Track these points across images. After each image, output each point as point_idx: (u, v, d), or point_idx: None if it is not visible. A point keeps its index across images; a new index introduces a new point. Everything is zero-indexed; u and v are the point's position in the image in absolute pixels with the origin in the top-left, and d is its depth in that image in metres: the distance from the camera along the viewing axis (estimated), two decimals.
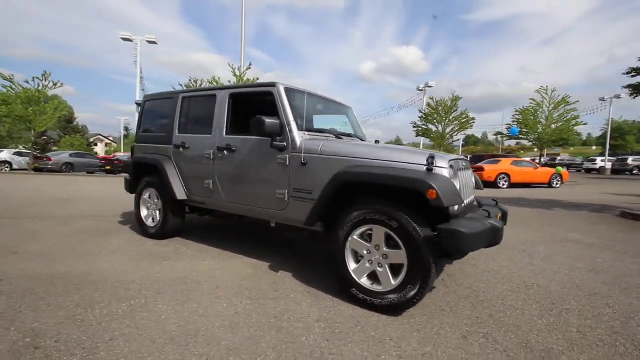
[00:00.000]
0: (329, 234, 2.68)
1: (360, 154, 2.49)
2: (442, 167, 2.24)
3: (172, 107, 3.80)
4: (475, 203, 2.96)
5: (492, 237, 2.18)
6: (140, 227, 4.08)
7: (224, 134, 3.25)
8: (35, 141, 20.55)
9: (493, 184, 13.17)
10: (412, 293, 2.10)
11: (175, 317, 2.09)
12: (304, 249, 3.82)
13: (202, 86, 15.50)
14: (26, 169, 18.25)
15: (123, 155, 24.16)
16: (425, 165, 2.22)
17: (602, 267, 3.32)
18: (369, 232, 2.31)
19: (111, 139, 63.87)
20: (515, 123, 20.08)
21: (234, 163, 3.16)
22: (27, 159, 18.50)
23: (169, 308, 2.20)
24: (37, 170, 17.51)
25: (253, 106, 3.54)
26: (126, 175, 4.21)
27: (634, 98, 7.50)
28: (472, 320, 2.18)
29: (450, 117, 18.18)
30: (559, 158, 34.30)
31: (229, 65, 14.17)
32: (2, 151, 19.50)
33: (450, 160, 2.33)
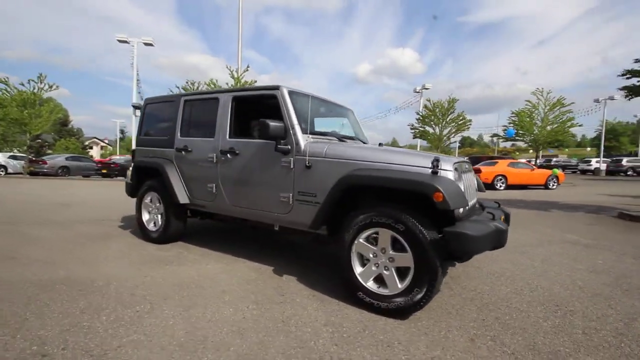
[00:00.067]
0: (334, 237, 2.69)
1: (365, 157, 2.50)
2: (447, 170, 2.26)
3: (174, 110, 3.79)
4: (477, 205, 2.98)
5: (497, 240, 2.20)
6: (141, 231, 4.06)
7: (227, 137, 3.25)
8: (30, 144, 20.38)
9: (490, 186, 13.25)
10: (419, 296, 2.11)
11: (182, 322, 2.08)
12: (306, 252, 3.82)
13: (200, 88, 15.48)
14: (21, 173, 18.07)
15: (119, 158, 24.02)
16: (430, 168, 2.23)
17: (602, 268, 3.36)
18: (375, 235, 2.32)
19: (106, 141, 63.49)
20: (512, 125, 20.25)
21: (237, 166, 3.16)
22: (22, 162, 18.33)
23: (175, 313, 2.19)
24: (33, 174, 17.35)
25: (256, 109, 3.54)
26: (123, 178, 4.19)
27: (629, 99, 7.61)
28: (479, 322, 2.20)
29: (447, 119, 18.30)
30: (554, 160, 34.58)
31: (227, 67, 14.18)
32: None
33: (454, 163, 2.35)
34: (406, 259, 2.17)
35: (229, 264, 3.24)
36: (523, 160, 18.62)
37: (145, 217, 4.02)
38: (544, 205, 8.47)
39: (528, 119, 19.59)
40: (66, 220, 5.21)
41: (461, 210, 2.27)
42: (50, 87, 17.78)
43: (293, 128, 2.78)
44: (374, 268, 2.32)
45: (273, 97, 2.94)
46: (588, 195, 11.30)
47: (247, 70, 14.31)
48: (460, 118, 18.24)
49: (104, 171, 19.10)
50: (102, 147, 61.16)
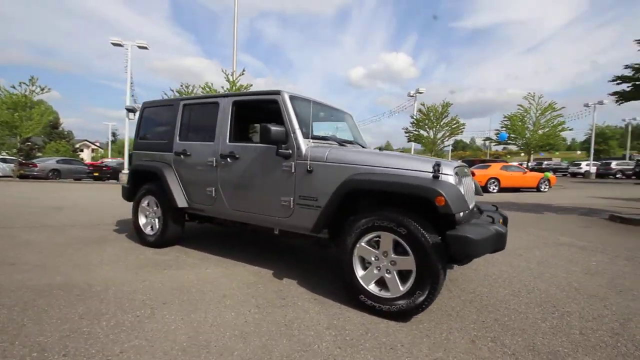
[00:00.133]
0: (335, 241, 2.70)
1: (366, 162, 2.52)
2: (448, 174, 2.29)
3: (173, 114, 3.78)
4: (475, 209, 3.02)
5: (498, 243, 2.24)
6: (138, 235, 4.02)
7: (227, 141, 3.25)
8: (20, 147, 20.05)
9: (483, 189, 13.39)
10: (421, 299, 2.13)
11: (184, 327, 2.07)
12: (306, 255, 3.82)
13: (195, 92, 15.41)
14: (11, 176, 17.73)
15: (111, 161, 23.78)
16: (432, 172, 2.26)
17: (596, 270, 3.42)
18: (377, 238, 2.34)
19: (98, 144, 62.74)
20: (504, 129, 20.53)
21: (237, 170, 3.16)
22: (12, 165, 18.00)
23: (176, 318, 2.17)
24: (23, 177, 17.05)
25: (256, 114, 3.56)
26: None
27: (620, 104, 7.78)
28: (479, 324, 2.22)
29: (441, 123, 18.48)
30: (545, 163, 35.10)
31: (222, 71, 14.14)
32: None
33: (455, 167, 2.38)
34: (408, 262, 2.19)
35: (229, 268, 3.22)
36: (515, 164, 18.88)
37: (142, 221, 3.98)
38: (536, 208, 8.59)
39: (520, 123, 19.89)
40: (59, 224, 5.13)
41: (461, 213, 2.30)
42: (42, 89, 17.54)
43: (294, 132, 2.79)
44: (375, 271, 2.34)
45: (274, 102, 2.96)
46: (579, 198, 11.50)
47: (242, 73, 14.29)
48: (454, 122, 18.44)
49: (96, 174, 18.87)
50: (93, 150, 60.44)
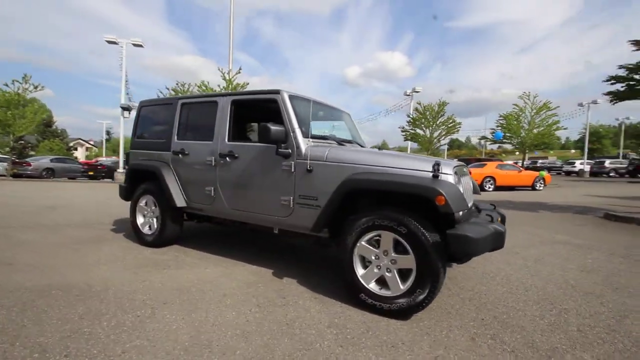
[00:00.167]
0: (335, 240, 2.71)
1: (366, 161, 2.53)
2: (448, 174, 2.31)
3: (171, 113, 3.76)
4: (473, 207, 3.04)
5: (497, 241, 2.26)
6: (136, 234, 4.00)
7: (226, 140, 3.24)
8: (13, 146, 19.83)
9: (479, 187, 13.48)
10: (422, 297, 2.15)
11: (185, 327, 2.06)
12: (305, 254, 3.83)
13: (191, 90, 15.33)
14: (4, 175, 17.53)
15: (106, 159, 23.58)
16: (431, 171, 2.27)
17: (592, 267, 3.47)
18: (377, 237, 2.35)
19: (92, 143, 62.17)
20: (500, 128, 20.68)
21: (236, 170, 3.16)
22: (5, 164, 17.79)
23: (177, 318, 2.17)
24: (16, 176, 16.87)
25: (255, 113, 3.55)
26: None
27: (614, 104, 7.86)
28: (478, 322, 2.25)
29: (437, 122, 18.57)
30: (540, 161, 35.39)
31: (219, 69, 14.08)
32: None
33: (454, 167, 2.40)
34: (408, 260, 2.20)
35: (228, 268, 3.22)
36: (510, 162, 19.03)
37: (140, 220, 3.96)
38: (532, 206, 8.67)
39: (515, 122, 20.03)
40: (55, 224, 5.09)
41: (461, 212, 2.32)
42: (36, 87, 17.35)
43: (294, 132, 2.79)
44: (376, 270, 2.35)
45: (273, 101, 2.95)
46: (574, 196, 11.62)
47: (239, 72, 14.25)
48: (450, 121, 18.53)
49: (91, 173, 18.70)
50: (87, 149, 59.89)
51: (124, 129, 18.09)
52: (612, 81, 7.66)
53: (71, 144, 48.67)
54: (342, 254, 2.46)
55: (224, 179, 3.26)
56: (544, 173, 15.25)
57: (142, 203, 3.94)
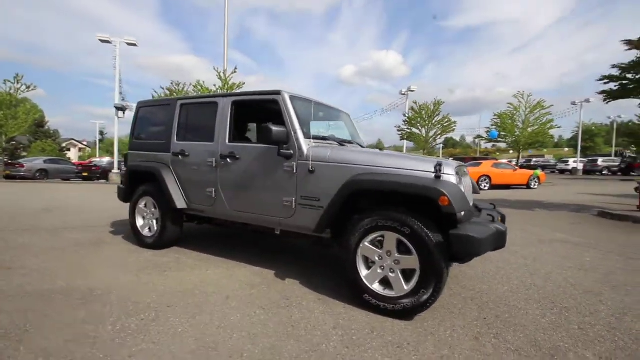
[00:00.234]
0: (337, 241, 2.72)
1: (368, 162, 2.54)
2: (450, 174, 2.33)
3: (170, 114, 3.74)
4: (473, 207, 3.07)
5: (498, 241, 2.28)
6: (135, 237, 3.97)
7: (227, 141, 3.23)
8: (5, 147, 19.57)
9: None
10: (426, 297, 2.16)
11: (191, 330, 2.06)
12: (306, 255, 3.84)
13: (187, 90, 15.24)
14: None
15: (101, 160, 23.35)
16: (433, 172, 2.29)
17: (590, 266, 3.52)
18: (380, 238, 2.36)
19: (85, 143, 61.54)
20: (494, 127, 20.86)
21: (237, 171, 3.15)
22: None
23: (182, 321, 2.17)
24: (9, 177, 16.65)
25: (256, 114, 3.54)
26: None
27: (607, 103, 7.96)
28: (481, 321, 2.27)
29: (433, 121, 18.69)
30: (534, 160, 35.71)
31: (214, 69, 14.02)
32: None
33: (456, 167, 2.42)
34: (412, 261, 2.22)
35: (230, 269, 3.22)
36: (505, 161, 19.20)
37: (140, 222, 3.94)
38: (528, 204, 8.75)
39: (510, 121, 20.22)
40: (52, 227, 5.04)
41: (463, 213, 2.34)
42: (28, 87, 17.15)
43: (295, 133, 2.80)
44: (379, 270, 2.36)
45: (274, 102, 2.95)
46: (568, 194, 11.75)
47: (235, 72, 14.20)
48: (446, 120, 18.67)
49: (85, 174, 18.51)
50: (80, 149, 59.27)
51: (118, 130, 17.95)
52: (606, 80, 7.77)
53: (64, 145, 48.15)
54: (345, 254, 2.47)
55: (225, 180, 3.25)
56: (539, 172, 15.41)
57: (141, 205, 3.92)
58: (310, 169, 2.71)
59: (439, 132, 19.02)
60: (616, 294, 2.78)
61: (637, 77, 7.28)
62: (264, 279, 2.99)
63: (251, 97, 3.24)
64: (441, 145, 28.77)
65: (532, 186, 14.83)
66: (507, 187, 14.66)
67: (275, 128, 2.67)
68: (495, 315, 2.36)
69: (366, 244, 2.39)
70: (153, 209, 3.82)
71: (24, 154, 32.24)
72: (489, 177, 14.15)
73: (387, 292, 2.32)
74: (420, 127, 19.34)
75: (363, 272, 2.42)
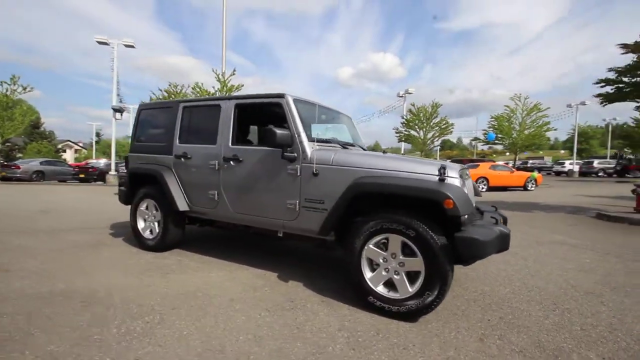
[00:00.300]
0: (341, 243, 2.73)
1: (372, 165, 2.56)
2: (454, 177, 2.35)
3: (172, 116, 3.74)
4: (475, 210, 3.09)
5: (502, 243, 2.30)
6: (136, 239, 3.96)
7: (230, 144, 3.24)
8: (0, 148, 19.44)
9: None
10: (430, 299, 2.18)
11: (196, 332, 2.06)
12: (308, 257, 3.84)
13: (185, 92, 15.22)
14: None
15: (98, 162, 23.21)
16: (437, 175, 2.31)
17: (590, 267, 3.55)
18: (384, 240, 2.38)
19: (81, 145, 61.15)
20: (492, 129, 21.00)
21: (241, 173, 3.15)
22: None
23: (187, 324, 2.16)
24: (5, 179, 16.50)
25: (259, 117, 3.55)
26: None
27: (604, 106, 8.06)
28: (485, 323, 2.29)
29: (431, 123, 18.79)
30: (531, 162, 35.98)
31: (213, 71, 14.02)
32: None
33: (459, 170, 2.44)
34: (416, 263, 2.23)
35: (232, 272, 3.22)
36: (501, 163, 19.32)
37: (141, 224, 3.93)
38: (525, 206, 8.81)
39: (507, 123, 20.37)
40: (50, 229, 5.01)
41: (466, 215, 2.36)
42: (24, 88, 17.06)
43: (299, 136, 2.81)
44: (384, 273, 2.37)
45: (278, 105, 2.96)
46: (565, 196, 11.85)
47: (233, 74, 14.20)
48: (443, 122, 18.78)
49: (82, 176, 18.38)
50: (76, 151, 58.88)
51: (115, 131, 17.87)
52: (602, 84, 7.86)
53: (60, 146, 47.78)
54: (349, 257, 2.47)
55: (228, 183, 3.25)
56: (536, 174, 15.52)
57: (142, 207, 3.91)
58: (314, 172, 2.72)
59: (437, 134, 19.12)
60: (616, 295, 2.81)
61: (633, 80, 7.38)
62: (266, 281, 2.99)
63: (254, 100, 3.24)
64: (438, 147, 28.91)
65: (529, 188, 14.92)
66: (504, 188, 14.75)
67: (279, 131, 2.68)
68: (498, 316, 2.38)
69: (371, 246, 2.40)
70: (154, 211, 3.81)
71: (19, 155, 32.03)
72: (486, 179, 14.22)
73: (392, 294, 2.33)
74: (418, 129, 19.43)
75: (367, 274, 2.43)
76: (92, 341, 1.92)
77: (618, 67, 7.59)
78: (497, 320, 2.33)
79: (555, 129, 21.48)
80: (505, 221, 2.95)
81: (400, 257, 2.30)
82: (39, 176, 17.27)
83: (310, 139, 2.86)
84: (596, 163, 28.16)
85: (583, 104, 26.08)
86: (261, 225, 3.15)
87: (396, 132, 20.93)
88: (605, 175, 26.95)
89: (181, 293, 2.67)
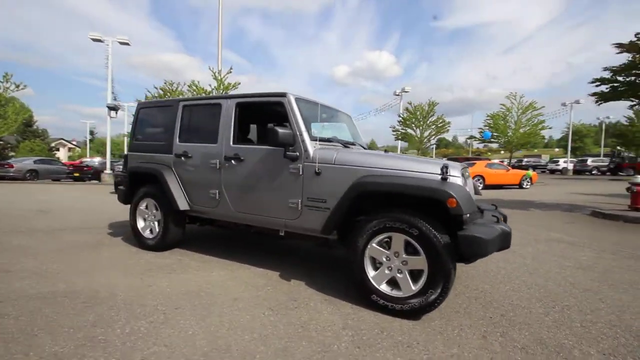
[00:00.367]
0: (343, 242, 2.74)
1: (375, 164, 2.57)
2: (456, 176, 2.37)
3: (171, 115, 3.71)
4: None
5: (504, 241, 2.33)
6: (136, 238, 3.94)
7: (231, 143, 3.23)
8: None
9: None
10: (433, 297, 2.20)
11: (201, 332, 2.06)
12: (309, 255, 3.85)
13: (181, 90, 15.11)
14: None
15: (92, 160, 23.00)
16: (440, 174, 2.33)
17: (587, 265, 3.60)
18: (387, 239, 2.39)
19: (74, 143, 60.56)
20: (487, 127, 21.13)
21: (242, 172, 3.15)
22: None
23: (192, 323, 2.16)
24: None
25: (260, 116, 3.54)
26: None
27: (599, 105, 8.15)
28: (487, 320, 2.31)
29: (428, 122, 18.87)
30: (525, 160, 36.26)
31: (209, 69, 13.93)
32: None
33: (461, 169, 2.46)
34: (420, 261, 2.25)
35: (234, 271, 3.22)
36: (497, 161, 19.47)
37: (141, 224, 3.91)
38: (522, 204, 8.90)
39: (502, 122, 20.51)
40: (48, 228, 4.97)
41: (468, 214, 2.38)
42: (17, 86, 16.85)
43: (301, 135, 2.81)
44: (387, 271, 2.39)
45: (279, 104, 2.96)
46: (560, 194, 11.97)
47: (230, 72, 14.12)
48: (440, 121, 18.86)
49: (76, 175, 18.20)
50: (69, 149, 58.31)
51: (110, 130, 17.72)
52: (597, 83, 7.94)
53: (53, 145, 47.31)
54: (352, 255, 2.49)
55: (229, 182, 3.25)
56: (531, 173, 15.66)
57: (142, 206, 3.89)
58: (317, 171, 2.73)
59: (433, 132, 19.21)
60: (614, 292, 2.86)
61: (628, 79, 7.46)
62: (268, 280, 2.99)
63: (256, 99, 3.23)
64: (434, 145, 29.06)
65: (524, 186, 15.07)
66: (500, 187, 14.87)
67: (281, 130, 2.68)
68: (500, 314, 2.41)
69: (374, 245, 2.41)
70: (154, 211, 3.80)
71: (12, 154, 31.63)
72: (482, 177, 14.32)
73: (395, 293, 2.35)
74: (414, 128, 19.49)
75: (370, 272, 2.44)
76: (97, 342, 1.92)
77: (613, 67, 7.67)
78: (498, 317, 2.36)
79: (550, 128, 21.71)
80: (505, 219, 2.98)
81: (404, 255, 2.32)
82: (33, 175, 17.08)
83: (312, 138, 2.86)
84: (590, 161, 28.48)
85: (577, 102, 26.32)
86: (263, 225, 3.15)
87: (393, 131, 21.00)
88: (599, 173, 27.27)
89: (183, 293, 2.66)
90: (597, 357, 1.89)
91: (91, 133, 54.14)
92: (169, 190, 3.52)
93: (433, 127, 18.84)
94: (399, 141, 21.60)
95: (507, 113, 20.38)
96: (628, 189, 6.98)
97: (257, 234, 3.42)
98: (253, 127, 4.16)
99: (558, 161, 31.77)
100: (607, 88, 7.92)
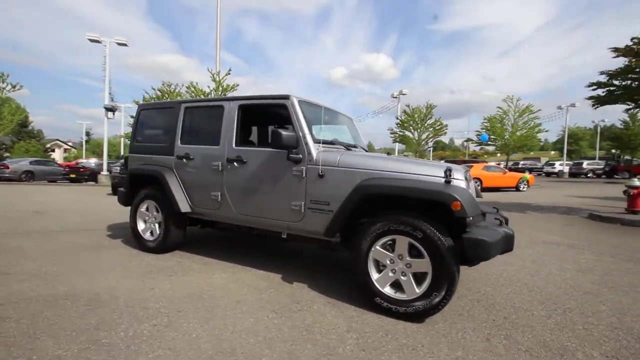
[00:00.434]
0: (346, 245, 2.74)
1: (378, 167, 2.58)
2: (460, 179, 2.38)
3: (173, 117, 3.71)
4: None
5: (507, 244, 2.35)
6: (136, 240, 3.92)
7: (234, 145, 3.23)
8: None
9: None
10: (438, 300, 2.20)
11: (205, 335, 2.05)
12: (311, 258, 3.85)
13: (179, 91, 15.07)
14: None
15: (89, 162, 22.85)
16: (444, 177, 2.34)
17: (587, 267, 3.62)
18: (391, 242, 2.40)
19: (70, 144, 60.16)
20: (485, 130, 21.26)
21: (244, 175, 3.15)
22: None
23: (196, 326, 2.15)
24: None
25: (263, 118, 3.54)
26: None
27: (596, 108, 8.23)
28: (490, 323, 2.32)
29: (425, 124, 18.96)
30: (521, 162, 36.50)
31: (208, 70, 13.91)
32: None
33: (464, 172, 2.48)
34: (423, 264, 2.26)
35: (236, 273, 3.20)
36: (493, 164, 19.57)
37: (141, 226, 3.89)
38: (519, 207, 8.95)
39: (499, 125, 20.65)
40: (46, 230, 4.92)
41: (472, 217, 2.39)
42: (14, 87, 16.72)
43: (305, 137, 2.81)
44: (390, 274, 2.39)
45: (282, 107, 2.97)
46: (556, 197, 12.05)
47: (229, 73, 14.11)
48: (438, 123, 18.96)
49: (73, 176, 18.09)
50: (65, 150, 57.92)
51: (107, 131, 17.62)
52: (594, 87, 8.02)
53: (48, 145, 46.99)
54: (356, 258, 2.49)
55: (231, 184, 3.24)
56: (528, 176, 15.76)
57: (142, 208, 3.87)
58: (320, 173, 2.73)
59: (431, 135, 19.30)
60: (614, 294, 2.88)
61: (624, 83, 7.54)
62: (270, 282, 2.99)
63: (259, 101, 3.23)
64: (431, 147, 29.16)
65: (521, 189, 15.14)
66: (497, 189, 14.94)
67: (285, 132, 2.69)
68: (503, 316, 2.42)
69: (378, 247, 2.42)
70: (155, 213, 3.78)
71: (7, 154, 31.34)
72: (480, 179, 14.38)
73: (399, 295, 2.35)
74: (412, 130, 19.58)
75: (374, 275, 2.44)
76: (100, 345, 1.90)
77: (609, 70, 7.75)
78: (501, 320, 2.37)
79: (546, 131, 21.88)
80: (507, 222, 2.99)
81: (407, 258, 2.32)
82: (29, 176, 16.95)
83: (316, 141, 2.87)
84: (586, 164, 28.71)
85: (573, 105, 26.55)
86: (265, 227, 3.14)
87: (391, 133, 21.06)
88: (594, 176, 27.49)
89: (185, 295, 2.65)
90: (601, 359, 1.91)
91: (87, 134, 53.75)
92: (170, 192, 3.50)
93: (431, 129, 18.95)
94: (397, 143, 21.67)
95: (504, 116, 20.54)
96: (625, 192, 7.05)
97: (259, 236, 3.42)
98: (255, 129, 4.16)
99: (554, 164, 31.99)
100: (603, 92, 8.01)
